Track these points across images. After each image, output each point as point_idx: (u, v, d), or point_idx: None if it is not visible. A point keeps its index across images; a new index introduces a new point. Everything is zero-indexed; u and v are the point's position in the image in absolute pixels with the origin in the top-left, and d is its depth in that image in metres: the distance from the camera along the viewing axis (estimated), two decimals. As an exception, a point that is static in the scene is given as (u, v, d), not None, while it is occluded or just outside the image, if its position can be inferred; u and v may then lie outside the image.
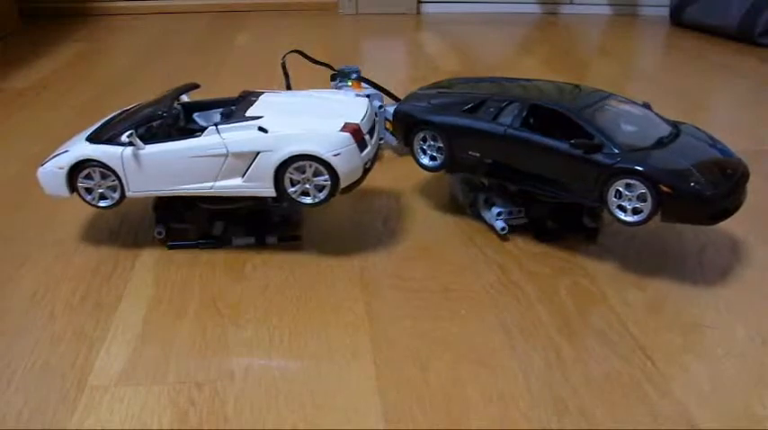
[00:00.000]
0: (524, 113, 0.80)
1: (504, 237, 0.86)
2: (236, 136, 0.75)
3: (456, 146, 0.83)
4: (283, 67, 1.12)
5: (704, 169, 0.72)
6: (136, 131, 0.76)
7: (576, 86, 0.87)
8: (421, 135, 0.86)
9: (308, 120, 0.76)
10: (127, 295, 0.74)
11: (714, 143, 0.79)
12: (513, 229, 0.85)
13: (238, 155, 0.75)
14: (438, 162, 0.86)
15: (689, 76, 1.63)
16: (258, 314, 0.71)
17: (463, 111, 0.83)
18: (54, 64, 1.67)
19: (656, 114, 0.82)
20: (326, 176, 0.75)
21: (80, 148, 0.77)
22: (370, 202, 0.95)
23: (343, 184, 0.76)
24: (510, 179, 0.82)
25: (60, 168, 0.77)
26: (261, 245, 0.83)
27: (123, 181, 0.77)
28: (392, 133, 1.09)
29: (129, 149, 0.76)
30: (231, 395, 0.60)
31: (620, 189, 0.72)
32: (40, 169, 0.79)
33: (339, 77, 1.13)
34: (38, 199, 0.95)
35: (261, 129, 0.74)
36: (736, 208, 0.75)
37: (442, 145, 0.84)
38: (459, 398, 0.60)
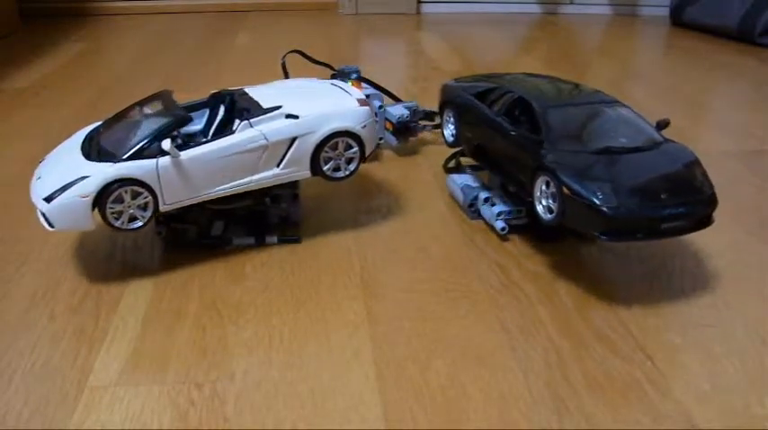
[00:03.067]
0: (510, 104, 0.84)
1: (504, 237, 0.86)
2: (271, 126, 0.76)
3: (461, 125, 0.91)
4: (283, 66, 1.12)
5: (631, 185, 0.68)
6: (173, 140, 0.72)
7: (577, 87, 0.87)
8: (447, 113, 0.94)
9: (326, 102, 0.80)
10: (127, 295, 0.74)
11: (688, 168, 0.72)
12: (513, 229, 0.85)
13: (277, 144, 0.76)
14: (453, 139, 0.94)
15: (689, 76, 1.63)
16: (258, 314, 0.71)
17: (474, 96, 0.89)
18: (54, 64, 1.67)
19: (658, 132, 0.78)
20: (356, 149, 0.81)
21: (105, 169, 0.70)
22: (371, 202, 0.95)
23: (367, 154, 0.83)
24: (486, 164, 0.88)
25: (84, 197, 0.69)
26: (261, 245, 0.83)
27: (159, 195, 0.72)
28: (392, 133, 1.09)
29: (163, 159, 0.71)
30: (231, 395, 0.60)
31: (543, 186, 0.73)
32: (50, 205, 0.70)
33: (339, 77, 1.13)
34: (38, 199, 0.95)
35: (289, 116, 0.77)
36: (662, 233, 0.69)
37: (455, 123, 0.93)
38: (459, 398, 0.60)
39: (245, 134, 0.75)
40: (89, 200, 0.69)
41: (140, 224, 0.73)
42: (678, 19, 2.20)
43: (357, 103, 0.81)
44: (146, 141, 0.72)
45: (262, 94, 0.81)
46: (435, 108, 1.19)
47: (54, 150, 0.79)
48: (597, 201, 0.67)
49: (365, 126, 0.81)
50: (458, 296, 0.74)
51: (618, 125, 0.77)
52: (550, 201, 0.72)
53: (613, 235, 0.68)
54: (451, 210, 0.94)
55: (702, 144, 1.19)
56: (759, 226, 0.90)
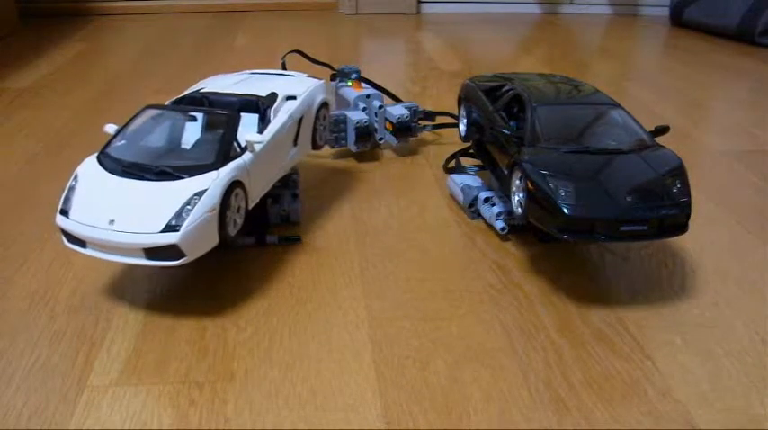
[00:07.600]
0: (509, 101, 0.85)
1: (504, 237, 0.86)
2: (289, 107, 0.80)
3: (469, 119, 0.95)
4: (283, 66, 1.12)
5: (596, 186, 0.68)
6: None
7: (577, 88, 0.87)
8: (462, 109, 0.98)
9: (299, 81, 0.87)
10: (127, 295, 0.74)
11: (666, 175, 0.71)
12: (513, 229, 0.85)
13: (295, 123, 0.81)
14: (464, 134, 0.97)
15: (689, 76, 1.63)
16: (258, 314, 0.71)
17: (483, 93, 0.91)
18: (54, 64, 1.67)
19: (650, 137, 0.77)
20: (327, 117, 0.90)
21: (214, 178, 0.65)
22: (370, 202, 0.95)
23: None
24: (482, 158, 0.90)
25: (212, 211, 0.64)
26: (261, 245, 0.83)
27: (248, 193, 0.71)
28: (392, 133, 1.09)
29: (247, 155, 0.70)
30: (231, 395, 0.60)
31: (517, 181, 0.74)
32: (182, 233, 0.62)
33: (339, 77, 1.13)
34: (38, 199, 0.95)
35: (290, 97, 0.81)
36: (624, 236, 0.68)
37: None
38: (459, 398, 0.60)
39: (279, 119, 0.78)
40: (216, 213, 0.65)
41: (238, 229, 0.70)
42: (678, 19, 2.20)
43: (316, 79, 0.89)
44: (225, 142, 0.68)
45: (240, 88, 0.82)
46: (435, 108, 1.20)
47: (78, 197, 0.67)
48: (557, 199, 0.67)
49: (329, 97, 0.90)
50: (458, 296, 0.74)
51: (606, 127, 0.78)
52: (522, 196, 0.73)
53: (572, 233, 0.68)
54: (451, 210, 0.94)
55: (702, 144, 1.19)
56: (759, 226, 0.90)
